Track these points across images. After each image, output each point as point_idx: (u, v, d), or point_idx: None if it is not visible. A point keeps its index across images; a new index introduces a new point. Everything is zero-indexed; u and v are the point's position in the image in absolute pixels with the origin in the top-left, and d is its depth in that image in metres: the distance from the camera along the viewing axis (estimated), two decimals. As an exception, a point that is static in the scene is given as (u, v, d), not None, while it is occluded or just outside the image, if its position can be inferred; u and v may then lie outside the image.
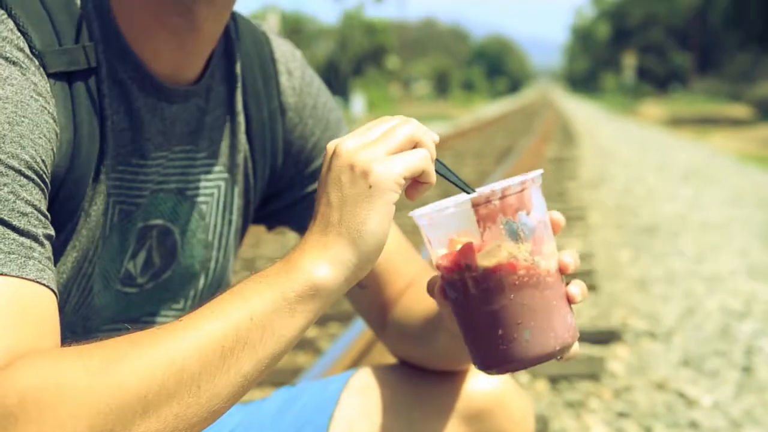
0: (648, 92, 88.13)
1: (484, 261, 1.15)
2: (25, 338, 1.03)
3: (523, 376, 3.96)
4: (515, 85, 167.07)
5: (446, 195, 1.32)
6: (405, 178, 1.10)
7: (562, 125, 27.65)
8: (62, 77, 1.22)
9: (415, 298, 1.44)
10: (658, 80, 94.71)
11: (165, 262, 1.37)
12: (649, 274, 6.22)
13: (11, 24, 1.18)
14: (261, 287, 1.07)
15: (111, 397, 0.99)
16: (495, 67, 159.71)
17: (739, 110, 51.22)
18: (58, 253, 1.23)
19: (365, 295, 1.52)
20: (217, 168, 1.40)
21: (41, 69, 1.19)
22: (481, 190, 1.16)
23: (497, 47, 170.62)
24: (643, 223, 8.48)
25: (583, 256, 6.69)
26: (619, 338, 4.58)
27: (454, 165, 14.77)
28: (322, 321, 5.12)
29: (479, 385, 1.47)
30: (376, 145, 1.10)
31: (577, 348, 1.23)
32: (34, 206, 1.10)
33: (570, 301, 1.20)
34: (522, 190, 1.15)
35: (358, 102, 40.38)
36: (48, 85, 1.19)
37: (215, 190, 1.40)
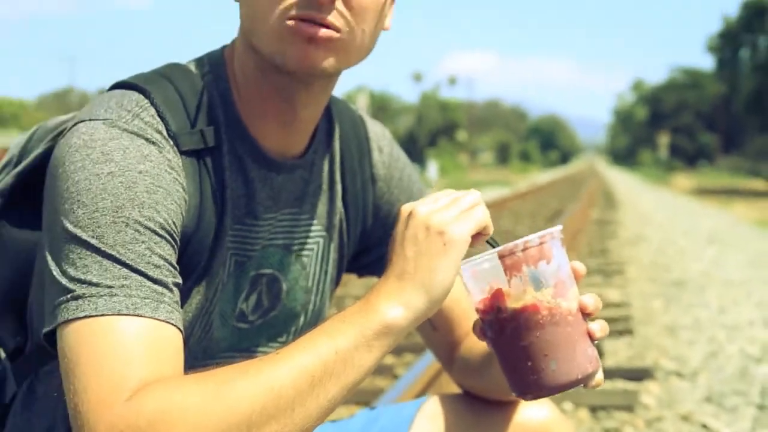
0: (679, 167, 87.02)
1: (512, 304, 1.16)
2: (154, 369, 1.04)
3: (567, 404, 3.92)
4: (565, 157, 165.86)
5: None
6: (472, 234, 1.12)
7: (604, 192, 27.41)
8: (192, 154, 1.23)
9: (475, 339, 1.43)
10: (687, 157, 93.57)
11: (272, 303, 1.38)
12: (678, 321, 6.12)
13: (153, 111, 1.20)
14: (344, 326, 1.08)
15: (222, 418, 1.00)
16: (548, 141, 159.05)
17: (758, 184, 50.34)
18: (185, 296, 1.24)
19: (436, 336, 1.51)
20: (317, 227, 1.40)
21: (175, 147, 1.20)
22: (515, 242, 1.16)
23: (551, 125, 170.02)
24: (673, 277, 8.36)
25: (621, 304, 6.62)
26: (651, 376, 4.51)
27: (512, 223, 14.82)
28: (398, 351, 5.10)
29: (531, 414, 1.45)
30: (448, 209, 1.12)
31: (600, 377, 1.21)
32: (165, 260, 1.12)
33: (591, 336, 1.18)
34: (541, 244, 1.16)
35: (432, 168, 40.46)
36: (180, 160, 1.21)
37: (315, 246, 1.41)
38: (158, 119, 1.20)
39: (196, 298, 1.27)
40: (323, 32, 1.19)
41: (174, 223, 1.15)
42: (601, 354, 4.87)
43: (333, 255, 1.44)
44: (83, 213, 1.10)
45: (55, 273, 1.10)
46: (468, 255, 1.20)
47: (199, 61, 1.32)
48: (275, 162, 1.32)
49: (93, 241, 1.08)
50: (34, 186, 1.27)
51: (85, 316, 1.05)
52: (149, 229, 1.11)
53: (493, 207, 19.54)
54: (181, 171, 1.20)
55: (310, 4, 1.17)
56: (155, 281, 1.09)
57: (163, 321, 1.08)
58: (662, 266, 9.18)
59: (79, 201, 1.11)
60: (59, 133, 1.27)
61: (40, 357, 1.30)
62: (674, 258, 10.00)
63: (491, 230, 1.15)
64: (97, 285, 1.07)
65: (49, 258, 1.12)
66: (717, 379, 4.52)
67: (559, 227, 1.20)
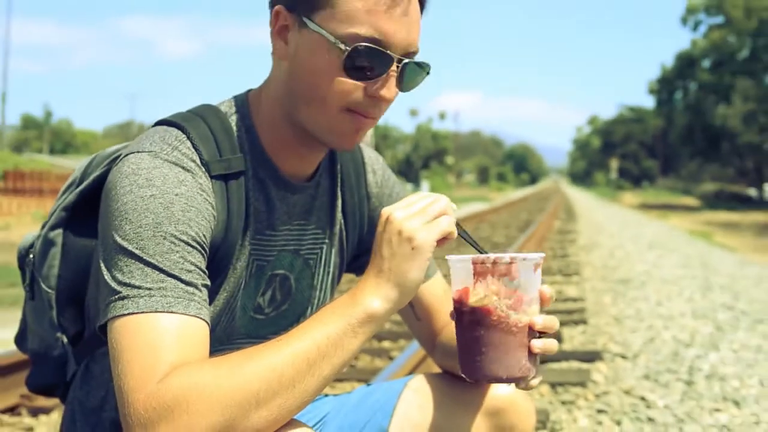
0: (626, 186, 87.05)
1: (471, 301, 1.16)
2: (183, 356, 1.04)
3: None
4: (534, 178, 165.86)
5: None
6: (437, 240, 1.12)
7: (566, 207, 27.40)
8: (221, 178, 1.23)
9: (452, 329, 1.43)
10: (633, 178, 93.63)
11: (284, 298, 1.37)
12: (623, 313, 6.10)
13: (188, 144, 1.21)
14: (334, 316, 1.09)
15: (234, 395, 1.00)
16: (521, 165, 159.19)
17: (690, 200, 50.32)
18: (213, 293, 1.24)
19: (420, 325, 1.51)
20: (321, 235, 1.40)
21: (207, 173, 1.20)
22: (489, 255, 1.16)
23: (523, 151, 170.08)
24: (620, 276, 8.34)
25: (578, 299, 6.61)
26: (600, 358, 4.49)
27: (490, 232, 14.86)
28: (394, 337, 5.09)
29: (498, 391, 1.45)
30: (418, 217, 1.11)
31: (534, 383, 1.21)
32: (196, 266, 1.13)
33: (530, 350, 1.16)
34: (510, 263, 1.15)
35: (425, 187, 40.68)
36: (210, 183, 1.21)
37: (319, 251, 1.40)
38: (193, 150, 1.21)
39: (223, 294, 1.27)
40: (369, 122, 1.22)
41: (204, 235, 1.16)
42: (560, 340, 4.92)
43: (334, 258, 1.44)
44: (129, 228, 1.10)
45: (106, 277, 1.10)
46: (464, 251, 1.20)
47: (228, 103, 1.32)
48: (291, 184, 1.32)
49: (137, 252, 1.09)
50: (93, 202, 1.27)
51: (129, 313, 1.06)
52: (183, 241, 1.12)
53: (475, 218, 19.59)
54: (211, 192, 1.20)
55: (373, 104, 1.19)
56: (187, 283, 1.10)
57: (192, 316, 1.08)
58: (611, 267, 9.16)
59: (126, 218, 1.11)
60: (113, 160, 1.27)
61: (96, 342, 1.31)
62: (622, 260, 9.99)
63: (454, 236, 1.14)
64: (139, 287, 1.07)
65: (101, 264, 1.12)
66: (654, 360, 4.50)
67: (541, 255, 1.19)
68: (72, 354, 1.36)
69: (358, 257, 1.52)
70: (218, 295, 1.26)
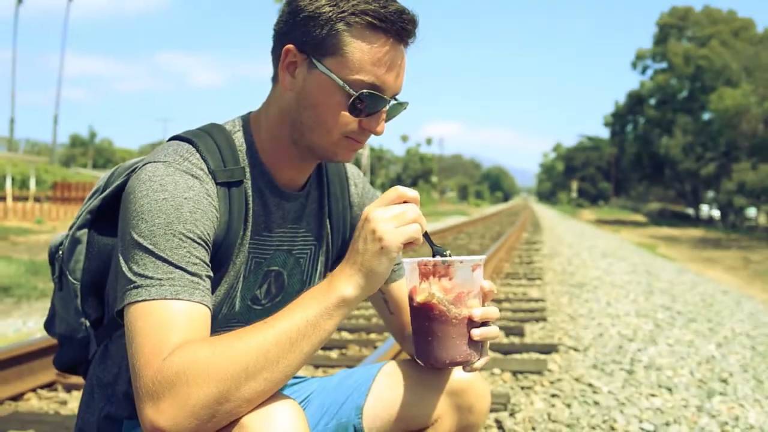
0: (585, 204, 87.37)
1: (417, 297, 1.18)
2: (186, 336, 1.05)
3: (496, 370, 3.89)
4: (507, 196, 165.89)
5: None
6: (403, 243, 1.12)
7: (533, 221, 27.43)
8: (224, 185, 1.23)
9: None
10: (591, 197, 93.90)
11: (278, 291, 1.37)
12: (577, 311, 6.09)
13: (197, 155, 1.21)
14: (312, 301, 1.09)
15: (226, 368, 1.00)
16: (495, 185, 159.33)
17: (638, 217, 50.50)
18: (215, 284, 1.24)
19: (393, 318, 1.50)
20: (310, 238, 1.40)
21: (212, 180, 1.21)
22: (431, 258, 1.18)
23: (497, 173, 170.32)
24: (576, 281, 8.33)
25: (539, 300, 6.60)
26: (556, 350, 4.47)
27: (466, 241, 14.86)
28: (380, 330, 5.07)
29: (458, 375, 1.44)
30: (392, 221, 1.11)
31: (479, 365, 1.24)
32: (201, 259, 1.13)
33: (470, 337, 1.19)
34: (448, 266, 1.17)
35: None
36: (215, 189, 1.21)
37: (309, 251, 1.40)
38: (201, 161, 1.21)
39: (224, 286, 1.27)
40: (360, 146, 1.25)
41: (208, 234, 1.16)
42: (522, 334, 4.91)
43: (321, 258, 1.43)
44: (144, 226, 1.10)
45: (123, 268, 1.10)
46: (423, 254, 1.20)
47: (231, 122, 1.32)
48: (285, 193, 1.32)
49: (150, 247, 1.09)
50: (113, 207, 1.27)
51: (142, 300, 1.06)
52: (190, 238, 1.12)
53: (455, 229, 19.57)
54: (215, 197, 1.20)
55: (364, 134, 1.23)
56: (192, 274, 1.10)
57: (197, 302, 1.08)
58: (569, 273, 9.16)
59: (142, 218, 1.11)
60: (132, 171, 1.27)
61: (114, 326, 1.30)
62: (578, 267, 9.98)
63: (420, 241, 1.13)
64: (151, 278, 1.07)
65: (120, 257, 1.12)
66: (601, 353, 4.49)
67: (482, 257, 1.21)
68: (93, 336, 1.35)
69: (341, 257, 1.51)
70: (220, 286, 1.26)
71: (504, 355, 4.29)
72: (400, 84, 1.23)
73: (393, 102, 1.24)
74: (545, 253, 12.28)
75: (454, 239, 15.63)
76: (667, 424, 3.09)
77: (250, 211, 1.27)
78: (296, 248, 1.37)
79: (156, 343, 1.03)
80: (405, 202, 1.13)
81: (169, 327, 1.04)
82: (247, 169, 1.27)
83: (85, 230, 1.33)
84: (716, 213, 47.08)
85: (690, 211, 52.92)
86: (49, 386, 3.57)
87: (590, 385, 3.69)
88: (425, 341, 1.18)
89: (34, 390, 3.48)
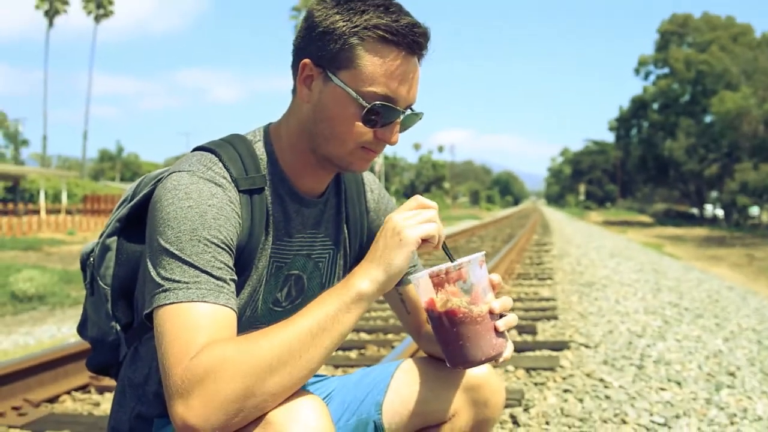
0: (592, 206, 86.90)
1: (438, 308, 1.16)
2: (213, 337, 1.05)
3: (509, 367, 3.87)
4: (517, 200, 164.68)
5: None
6: (422, 238, 1.12)
7: (542, 223, 27.29)
8: (247, 192, 1.23)
9: None
10: (598, 200, 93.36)
11: (298, 294, 1.36)
12: (587, 310, 6.05)
13: (220, 164, 1.21)
14: (331, 297, 1.09)
15: (252, 365, 1.00)
16: (506, 189, 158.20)
17: (644, 218, 50.13)
18: (239, 287, 1.24)
19: (410, 318, 1.49)
20: (329, 242, 1.39)
21: (235, 188, 1.21)
22: (441, 267, 1.16)
23: (507, 178, 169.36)
24: (586, 280, 8.27)
25: (550, 299, 6.56)
26: (567, 347, 4.44)
27: (478, 244, 14.82)
28: (397, 331, 5.06)
29: (473, 371, 1.42)
30: (410, 219, 1.13)
31: (507, 355, 1.22)
32: (225, 264, 1.13)
33: (496, 330, 1.18)
34: (459, 269, 1.16)
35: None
36: (238, 196, 1.21)
37: (327, 255, 1.39)
38: (224, 170, 1.21)
39: (248, 288, 1.26)
40: (375, 156, 1.25)
41: (231, 239, 1.16)
42: (535, 333, 4.88)
43: (339, 261, 1.43)
44: (171, 233, 1.11)
45: (152, 273, 1.10)
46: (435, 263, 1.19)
47: (252, 133, 1.32)
48: (305, 199, 1.31)
49: (177, 252, 1.09)
50: (141, 215, 1.27)
51: (170, 303, 1.07)
52: (214, 243, 1.12)
53: (467, 232, 19.54)
54: (238, 204, 1.20)
55: (379, 145, 1.23)
56: (217, 278, 1.10)
57: (222, 305, 1.08)
58: (578, 272, 9.10)
59: (168, 225, 1.11)
60: (158, 180, 1.27)
61: (143, 329, 1.30)
62: (587, 267, 9.92)
63: (436, 240, 1.14)
64: (178, 282, 1.08)
65: (148, 263, 1.12)
66: (611, 349, 4.45)
67: (482, 253, 1.20)
68: (124, 339, 1.36)
69: (358, 261, 1.51)
70: (243, 289, 1.26)
71: (517, 353, 4.26)
72: (413, 95, 1.23)
73: (407, 113, 1.23)
74: (555, 253, 12.21)
75: (467, 242, 15.58)
76: (677, 416, 3.06)
77: (271, 218, 1.27)
78: (315, 252, 1.37)
79: (184, 343, 1.03)
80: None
81: (196, 328, 1.04)
82: (268, 177, 1.27)
83: (115, 238, 1.34)
84: (720, 212, 46.62)
85: (694, 210, 52.46)
86: (83, 388, 3.59)
87: (601, 380, 3.66)
88: (457, 346, 1.16)
89: (68, 392, 3.50)
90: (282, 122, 1.31)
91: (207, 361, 1.00)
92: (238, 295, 1.23)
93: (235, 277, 1.15)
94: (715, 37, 44.32)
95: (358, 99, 1.17)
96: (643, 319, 5.57)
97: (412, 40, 1.17)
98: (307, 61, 1.20)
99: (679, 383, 3.61)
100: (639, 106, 49.68)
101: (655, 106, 48.21)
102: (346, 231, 1.43)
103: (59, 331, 6.16)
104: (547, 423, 2.98)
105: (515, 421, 2.98)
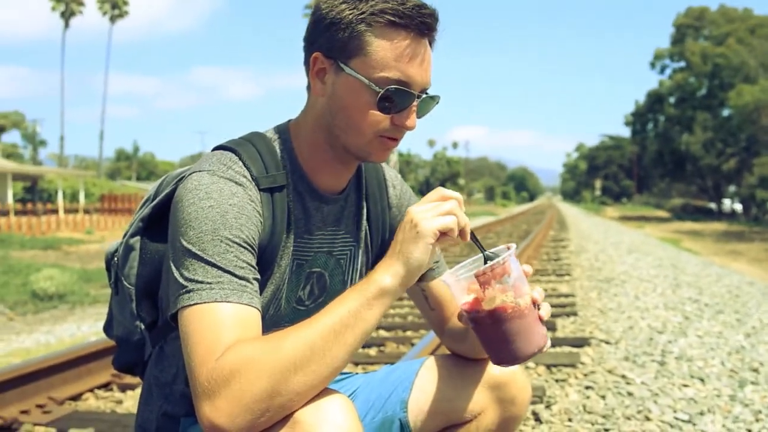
0: (608, 202, 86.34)
1: (486, 306, 1.14)
2: (238, 336, 1.04)
3: (530, 363, 3.85)
4: (532, 196, 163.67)
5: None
6: (439, 230, 1.10)
7: (558, 219, 27.13)
8: (267, 191, 1.22)
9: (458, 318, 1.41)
10: (614, 195, 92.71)
11: (320, 292, 1.36)
12: (606, 306, 6.00)
13: (240, 163, 1.20)
14: (353, 294, 1.08)
15: (277, 363, 1.00)
16: (521, 185, 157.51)
17: (661, 213, 49.76)
18: (262, 286, 1.23)
19: (433, 314, 1.48)
20: (350, 239, 1.38)
21: (256, 187, 1.20)
22: (491, 258, 1.14)
23: (522, 174, 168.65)
24: (604, 276, 8.22)
25: (569, 295, 6.52)
26: (588, 343, 4.41)
27: (494, 240, 14.79)
28: (416, 328, 5.05)
29: (498, 368, 1.41)
30: (428, 211, 1.12)
31: (549, 345, 1.20)
32: (248, 263, 1.12)
33: (541, 319, 1.17)
34: (504, 264, 1.13)
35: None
36: (259, 195, 1.20)
37: (348, 252, 1.38)
38: (244, 168, 1.20)
39: (270, 287, 1.26)
40: (396, 143, 1.23)
41: (253, 238, 1.15)
42: (554, 329, 4.85)
43: (361, 258, 1.42)
44: (193, 233, 1.10)
45: (175, 274, 1.10)
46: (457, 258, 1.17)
47: (272, 130, 1.32)
48: (325, 196, 1.30)
49: (199, 253, 1.09)
50: (164, 214, 1.27)
51: (194, 304, 1.06)
52: (236, 243, 1.11)
53: (484, 228, 19.47)
54: (259, 203, 1.19)
55: (398, 131, 1.21)
56: (240, 278, 1.09)
57: (246, 305, 1.08)
58: (597, 268, 9.04)
59: (190, 225, 1.11)
60: (180, 179, 1.27)
61: (168, 328, 1.30)
62: (605, 262, 9.85)
63: (455, 233, 1.12)
64: (201, 282, 1.07)
65: (171, 264, 1.12)
66: (632, 345, 4.41)
67: (514, 245, 1.18)
68: (148, 338, 1.36)
69: (380, 257, 1.50)
70: (266, 288, 1.25)
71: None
72: (427, 78, 1.20)
73: (423, 96, 1.21)
74: (572, 249, 12.13)
75: (484, 239, 15.53)
76: (702, 413, 3.02)
77: (292, 216, 1.26)
78: (336, 249, 1.36)
79: (209, 343, 1.02)
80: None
81: (221, 328, 1.04)
82: (288, 175, 1.26)
83: (138, 237, 1.34)
84: (738, 207, 46.14)
85: (712, 205, 51.97)
86: (106, 386, 3.62)
87: (623, 376, 3.62)
88: (507, 343, 1.14)
89: (91, 390, 3.53)
90: (300, 119, 1.30)
91: (232, 361, 0.99)
92: (261, 294, 1.22)
93: (258, 276, 1.14)
94: (732, 30, 43.80)
95: (371, 86, 1.16)
96: (664, 315, 5.52)
97: (420, 22, 1.16)
98: (317, 54, 1.20)
99: (702, 380, 3.57)
100: (655, 100, 49.25)
101: (672, 100, 47.75)
102: (367, 227, 1.41)
103: (79, 329, 6.22)
104: (570, 420, 2.96)
105: (537, 418, 2.96)
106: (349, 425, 1.03)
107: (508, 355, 1.15)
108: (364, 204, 1.40)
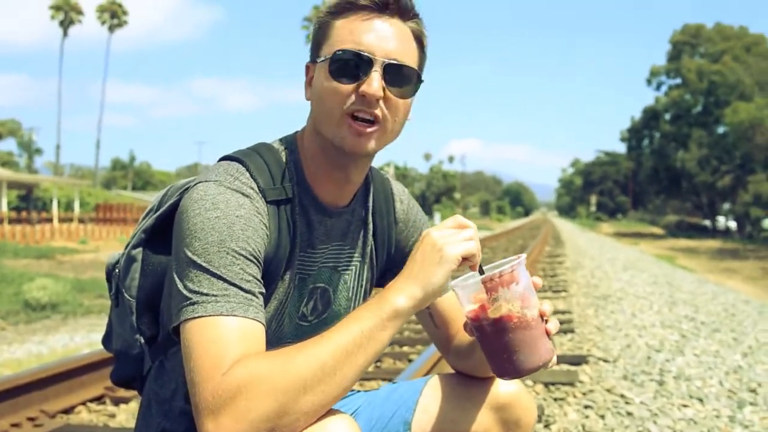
0: (603, 218, 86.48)
1: (492, 314, 1.12)
2: (243, 352, 1.02)
3: (528, 381, 3.82)
4: (528, 211, 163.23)
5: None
6: (462, 256, 1.10)
7: (554, 235, 27.14)
8: (274, 203, 1.21)
9: (463, 335, 1.39)
10: (609, 211, 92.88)
11: (324, 308, 1.34)
12: (604, 323, 5.99)
13: (247, 174, 1.19)
14: (367, 313, 1.06)
15: (286, 382, 0.98)
16: (516, 200, 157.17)
17: (656, 230, 49.86)
18: (266, 301, 1.21)
19: (438, 332, 1.46)
20: (355, 255, 1.36)
21: (263, 199, 1.19)
22: (492, 271, 1.13)
23: (518, 188, 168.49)
24: (601, 293, 8.21)
25: (565, 312, 6.50)
26: (586, 361, 4.39)
27: (490, 255, 14.73)
28: (412, 343, 5.02)
29: (503, 388, 1.39)
30: (450, 236, 1.11)
31: (554, 360, 1.18)
32: (253, 276, 1.10)
33: (548, 333, 1.15)
34: (512, 271, 1.12)
35: (437, 218, 40.51)
36: (266, 207, 1.19)
37: (354, 267, 1.37)
38: (251, 180, 1.19)
39: (274, 302, 1.24)
40: (368, 130, 1.18)
41: (259, 251, 1.13)
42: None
43: (366, 274, 1.40)
44: (198, 245, 1.08)
45: (179, 286, 1.08)
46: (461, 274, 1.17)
47: (280, 141, 1.31)
48: (329, 210, 1.29)
49: (204, 265, 1.07)
50: (167, 226, 1.25)
51: (199, 317, 1.04)
52: (242, 255, 1.09)
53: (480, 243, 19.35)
54: (265, 215, 1.18)
55: (363, 102, 1.17)
56: (246, 291, 1.07)
57: (251, 319, 1.06)
58: (593, 285, 9.03)
59: (195, 236, 1.09)
60: (185, 190, 1.26)
61: (168, 343, 1.28)
62: (601, 279, 9.84)
63: (478, 258, 1.12)
64: (206, 295, 1.05)
65: (175, 275, 1.10)
66: (630, 363, 4.39)
67: (524, 255, 1.17)
68: (148, 353, 1.34)
69: (386, 274, 1.48)
70: (270, 302, 1.23)
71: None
72: (393, 49, 1.18)
73: (387, 62, 1.17)
74: (568, 265, 12.13)
75: (482, 263, 15.49)
76: (701, 433, 3.00)
77: (296, 229, 1.25)
78: (341, 265, 1.34)
79: (214, 358, 1.00)
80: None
81: (226, 342, 1.02)
82: (294, 187, 1.25)
83: (140, 249, 1.32)
84: (733, 224, 46.29)
85: (707, 222, 52.13)
86: (99, 399, 3.58)
87: (622, 396, 3.60)
88: (510, 354, 1.12)
89: (84, 403, 3.49)
90: (304, 129, 1.30)
91: (239, 377, 0.97)
92: (265, 308, 1.20)
93: (263, 290, 1.12)
94: (728, 48, 44.18)
95: (324, 59, 1.19)
96: (661, 333, 5.50)
97: (377, 1, 1.18)
98: (308, 63, 1.26)
99: (701, 400, 3.55)
100: (651, 116, 49.53)
101: (667, 116, 48.03)
102: (372, 243, 1.40)
103: (72, 340, 6.17)
104: (568, 439, 2.93)
105: (535, 437, 2.94)
106: None
107: (511, 367, 1.13)
108: (371, 219, 1.38)
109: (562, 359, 4.38)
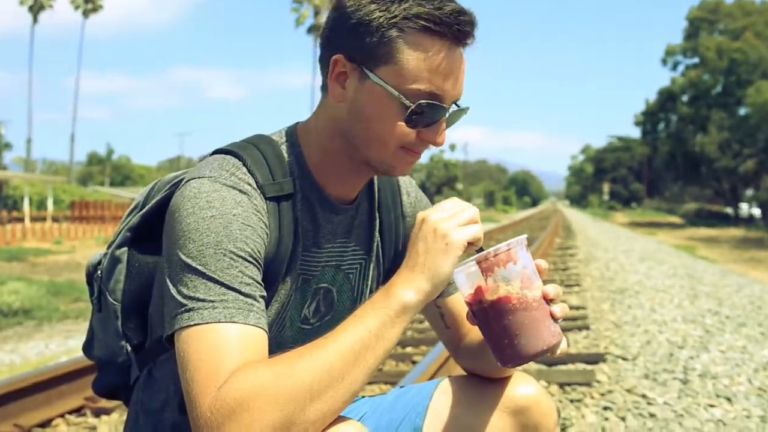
0: (617, 207, 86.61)
1: (489, 296, 1.12)
2: (244, 361, 1.01)
3: (542, 382, 3.82)
4: (535, 201, 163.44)
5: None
6: (468, 241, 1.09)
7: (564, 225, 27.16)
8: (274, 199, 1.19)
9: (475, 334, 1.38)
10: (623, 199, 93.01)
11: (327, 309, 1.32)
12: (621, 319, 6.00)
13: (244, 169, 1.17)
14: (373, 311, 1.05)
15: (290, 391, 0.96)
16: (523, 189, 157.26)
17: (674, 219, 49.99)
18: (267, 304, 1.20)
19: (448, 333, 1.45)
20: (360, 252, 1.35)
21: (261, 195, 1.17)
22: (488, 250, 1.13)
23: (524, 177, 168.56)
24: (617, 286, 8.22)
25: (579, 307, 6.51)
26: (603, 360, 4.40)
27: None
28: (416, 344, 5.02)
29: (520, 390, 1.38)
30: (451, 219, 1.09)
31: (564, 346, 1.18)
32: (253, 279, 1.09)
33: (553, 316, 1.14)
34: (508, 250, 1.12)
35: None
36: (265, 204, 1.17)
37: (358, 265, 1.35)
38: (249, 175, 1.17)
39: (275, 305, 1.23)
40: (418, 157, 1.21)
41: (259, 251, 1.12)
42: (567, 344, 4.81)
43: (372, 272, 1.38)
44: (193, 246, 1.07)
45: (172, 291, 1.07)
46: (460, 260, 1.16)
47: (278, 133, 1.28)
48: (335, 206, 1.27)
49: (200, 268, 1.06)
50: (154, 224, 1.24)
51: (195, 324, 1.03)
52: (241, 257, 1.08)
53: (485, 236, 19.36)
54: (264, 213, 1.16)
55: (423, 145, 1.19)
56: (246, 295, 1.06)
57: (252, 325, 1.05)
58: (608, 278, 9.05)
59: (189, 237, 1.08)
60: (175, 185, 1.24)
61: (158, 350, 1.27)
62: (617, 272, 9.87)
63: (482, 242, 1.11)
64: (203, 300, 1.04)
65: (167, 280, 1.08)
66: (651, 361, 4.40)
67: (524, 236, 1.17)
68: (135, 361, 1.32)
69: (392, 271, 1.47)
70: (271, 306, 1.22)
71: (548, 367, 4.21)
72: (459, 90, 1.18)
73: (452, 109, 1.19)
74: (580, 258, 12.14)
75: (486, 247, 15.51)
76: (730, 436, 3.00)
77: (300, 227, 1.23)
78: (345, 263, 1.32)
79: (212, 369, 0.99)
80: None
81: (225, 352, 1.00)
82: (296, 182, 1.23)
83: (125, 249, 1.30)
84: (757, 211, 46.40)
85: (729, 210, 52.24)
86: (78, 411, 3.57)
87: (644, 396, 3.61)
88: (512, 338, 1.12)
89: (62, 415, 3.48)
90: (311, 122, 1.27)
91: (239, 388, 0.96)
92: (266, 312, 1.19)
93: (264, 294, 1.11)
94: (749, 24, 44.16)
95: (400, 98, 1.13)
96: (683, 329, 5.51)
97: (457, 30, 1.13)
98: (339, 56, 1.16)
99: (729, 399, 3.56)
100: (667, 98, 49.51)
101: (685, 98, 48.02)
102: (379, 239, 1.38)
103: (47, 347, 6.15)
104: (587, 445, 2.93)
105: (552, 444, 2.94)
106: None
107: (513, 353, 1.13)
108: (377, 214, 1.37)
109: (577, 358, 4.38)
